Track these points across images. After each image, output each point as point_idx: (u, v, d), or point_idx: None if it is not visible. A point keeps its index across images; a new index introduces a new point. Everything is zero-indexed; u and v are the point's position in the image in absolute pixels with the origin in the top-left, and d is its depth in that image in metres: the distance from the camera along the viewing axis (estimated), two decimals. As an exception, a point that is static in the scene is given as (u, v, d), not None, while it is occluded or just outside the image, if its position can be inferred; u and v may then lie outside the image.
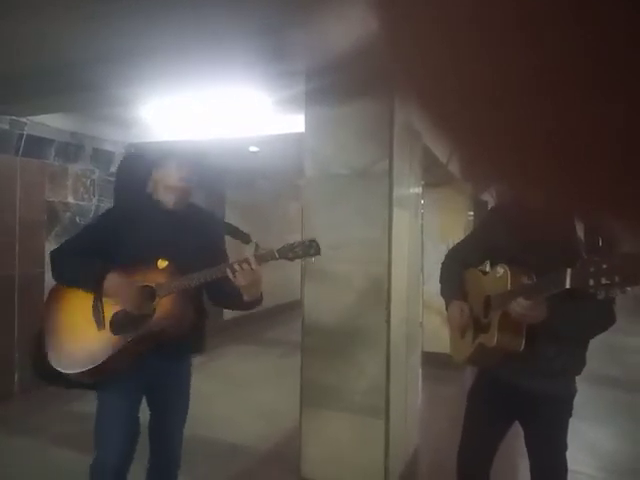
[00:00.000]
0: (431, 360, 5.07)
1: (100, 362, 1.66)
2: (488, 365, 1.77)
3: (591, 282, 1.21)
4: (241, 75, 2.88)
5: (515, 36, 0.19)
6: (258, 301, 1.77)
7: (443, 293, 1.89)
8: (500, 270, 1.62)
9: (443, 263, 1.96)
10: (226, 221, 2.05)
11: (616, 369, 5.29)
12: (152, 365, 1.75)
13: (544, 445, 1.71)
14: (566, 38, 0.18)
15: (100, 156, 4.78)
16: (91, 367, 1.66)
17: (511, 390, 1.69)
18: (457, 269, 1.87)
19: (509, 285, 1.56)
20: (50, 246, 4.03)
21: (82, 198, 4.66)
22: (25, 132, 4.07)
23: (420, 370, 3.51)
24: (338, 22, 2.25)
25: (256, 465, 3.03)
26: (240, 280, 1.65)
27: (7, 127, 3.94)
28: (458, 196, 5.42)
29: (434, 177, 4.77)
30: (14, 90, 3.31)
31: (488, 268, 1.84)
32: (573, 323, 1.56)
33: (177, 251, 1.74)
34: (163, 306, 1.70)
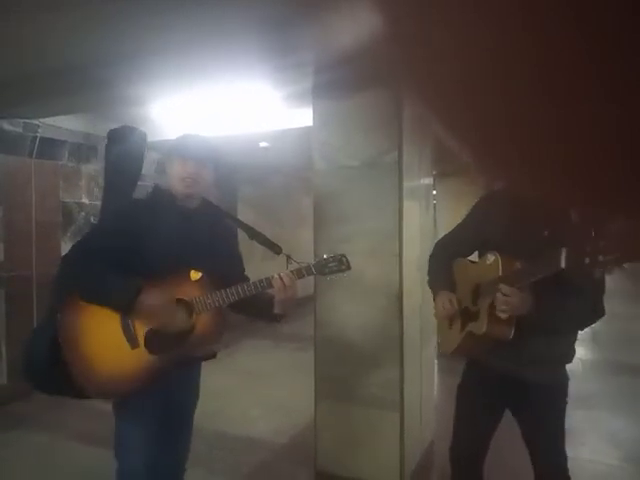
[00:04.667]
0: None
1: (136, 386, 1.56)
2: (477, 354, 1.75)
3: (587, 260, 1.19)
4: (249, 71, 2.87)
5: (520, 33, 0.19)
6: (286, 315, 1.75)
7: (431, 285, 1.87)
8: (491, 257, 1.60)
9: (431, 255, 1.93)
10: (256, 229, 1.91)
11: (636, 357, 5.20)
12: (170, 377, 1.65)
13: (538, 433, 1.69)
14: (570, 36, 0.18)
15: (112, 156, 4.83)
16: (124, 392, 1.58)
17: (501, 379, 1.67)
18: (445, 260, 1.85)
19: (500, 272, 1.54)
20: (66, 246, 4.09)
21: (96, 198, 4.71)
22: (38, 134, 4.12)
23: (436, 362, 3.49)
24: (345, 15, 2.23)
25: (272, 459, 3.04)
26: (280, 294, 1.65)
27: (21, 130, 3.99)
28: (472, 186, 5.36)
29: (447, 166, 4.73)
30: (25, 93, 3.35)
31: (477, 259, 1.82)
32: (561, 315, 1.53)
33: (205, 259, 1.64)
34: (201, 322, 1.61)
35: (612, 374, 4.56)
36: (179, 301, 1.61)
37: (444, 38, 0.21)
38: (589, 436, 3.12)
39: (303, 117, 3.74)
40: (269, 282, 1.65)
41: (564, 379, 1.69)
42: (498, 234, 1.64)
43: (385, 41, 0.23)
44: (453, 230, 1.94)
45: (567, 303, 1.50)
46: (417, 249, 2.77)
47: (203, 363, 1.87)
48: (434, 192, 4.95)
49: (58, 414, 3.62)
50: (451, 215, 5.44)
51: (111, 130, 2.22)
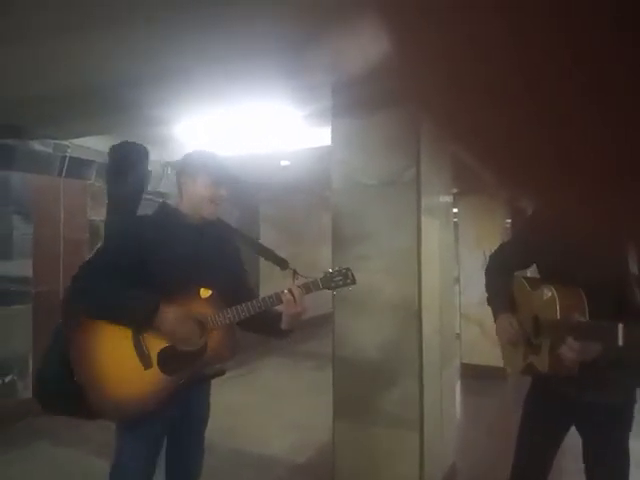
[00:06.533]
0: (470, 372, 4.94)
1: (150, 406, 1.53)
2: (540, 377, 1.72)
3: None
4: (270, 91, 2.93)
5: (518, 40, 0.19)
6: (294, 331, 1.74)
7: (490, 303, 1.83)
8: (547, 293, 1.56)
9: (487, 269, 1.89)
10: (262, 243, 1.91)
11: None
12: (180, 395, 1.62)
13: (600, 455, 1.63)
14: (567, 44, 0.18)
15: (138, 175, 4.95)
16: (138, 412, 1.55)
17: (567, 399, 1.64)
18: (503, 277, 1.81)
19: (558, 312, 1.50)
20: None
21: (121, 216, 4.83)
22: (68, 154, 4.26)
23: (458, 382, 3.43)
24: (361, 36, 2.27)
25: (289, 477, 3.01)
26: (289, 309, 1.64)
27: (51, 150, 4.14)
28: (494, 203, 5.31)
29: (468, 184, 4.69)
30: (55, 114, 3.48)
31: (530, 274, 1.79)
32: (630, 347, 1.49)
33: (215, 276, 1.65)
34: (213, 340, 1.61)
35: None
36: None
37: (446, 49, 0.21)
38: None
39: (323, 136, 3.78)
40: (278, 297, 1.64)
41: (631, 401, 1.64)
42: (551, 252, 1.62)
43: (396, 61, 0.22)
44: (507, 243, 1.92)
45: (636, 335, 1.45)
46: (437, 267, 2.75)
47: (217, 381, 1.86)
48: (455, 210, 4.91)
49: (81, 429, 3.66)
50: (474, 232, 5.38)
51: (112, 147, 2.24)
